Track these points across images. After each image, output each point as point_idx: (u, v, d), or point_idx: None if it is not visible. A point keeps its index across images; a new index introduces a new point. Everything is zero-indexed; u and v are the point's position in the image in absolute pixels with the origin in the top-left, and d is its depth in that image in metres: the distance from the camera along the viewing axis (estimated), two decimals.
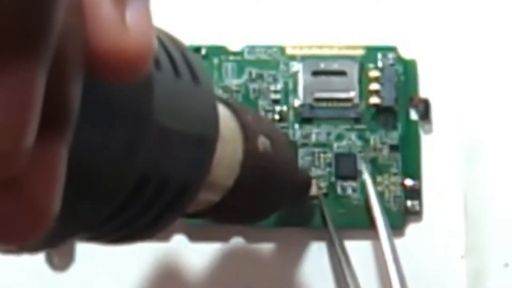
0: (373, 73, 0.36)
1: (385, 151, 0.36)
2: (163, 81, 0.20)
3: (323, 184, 0.36)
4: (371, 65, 0.36)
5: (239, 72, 0.37)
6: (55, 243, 0.19)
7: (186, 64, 0.22)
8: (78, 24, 0.15)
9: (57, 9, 0.13)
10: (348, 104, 0.36)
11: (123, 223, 0.21)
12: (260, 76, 0.37)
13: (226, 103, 0.27)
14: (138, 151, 0.19)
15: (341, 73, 0.36)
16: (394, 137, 0.36)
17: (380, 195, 0.36)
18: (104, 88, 0.17)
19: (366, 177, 0.35)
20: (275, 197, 0.30)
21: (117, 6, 0.16)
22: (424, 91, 0.37)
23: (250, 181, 0.27)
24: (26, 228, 0.15)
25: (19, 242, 0.15)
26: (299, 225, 0.36)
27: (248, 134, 0.27)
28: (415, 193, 0.36)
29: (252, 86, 0.36)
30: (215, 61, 0.37)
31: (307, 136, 0.36)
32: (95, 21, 0.15)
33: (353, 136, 0.36)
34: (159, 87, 0.20)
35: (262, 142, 0.27)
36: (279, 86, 0.36)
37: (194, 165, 0.22)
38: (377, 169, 0.36)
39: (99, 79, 0.16)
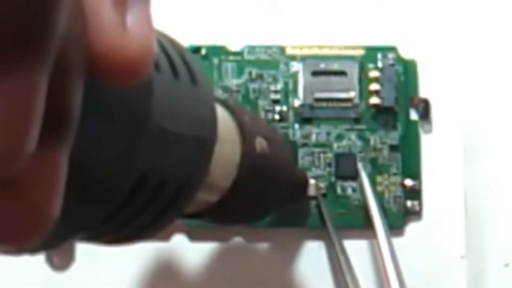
0: (373, 73, 0.36)
1: (385, 151, 0.36)
2: (162, 82, 0.20)
3: (323, 184, 0.36)
4: (371, 65, 0.36)
5: (239, 72, 0.37)
6: (55, 244, 0.19)
7: (184, 66, 0.22)
8: (79, 28, 0.15)
9: (59, 14, 0.13)
10: (348, 104, 0.36)
11: (122, 223, 0.21)
12: (260, 76, 0.37)
13: (224, 104, 0.27)
14: (137, 152, 0.19)
15: (341, 73, 0.36)
16: (394, 137, 0.36)
17: (380, 195, 0.36)
18: (103, 90, 0.17)
19: (363, 176, 0.35)
20: (272, 198, 0.30)
21: (117, 10, 0.16)
22: (424, 91, 0.37)
23: (247, 181, 0.27)
24: (26, 230, 0.15)
25: (18, 244, 0.15)
26: (299, 225, 0.36)
27: (245, 135, 0.27)
28: (415, 193, 0.36)
29: (252, 86, 0.36)
30: (215, 61, 0.37)
31: (307, 136, 0.36)
32: (96, 24, 0.15)
33: (353, 136, 0.36)
34: (158, 88, 0.20)
35: (260, 143, 0.27)
36: (279, 86, 0.36)
37: (192, 166, 0.22)
38: (377, 169, 0.36)
39: (99, 82, 0.16)
